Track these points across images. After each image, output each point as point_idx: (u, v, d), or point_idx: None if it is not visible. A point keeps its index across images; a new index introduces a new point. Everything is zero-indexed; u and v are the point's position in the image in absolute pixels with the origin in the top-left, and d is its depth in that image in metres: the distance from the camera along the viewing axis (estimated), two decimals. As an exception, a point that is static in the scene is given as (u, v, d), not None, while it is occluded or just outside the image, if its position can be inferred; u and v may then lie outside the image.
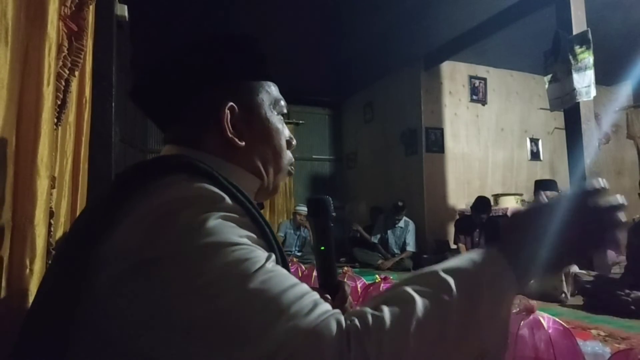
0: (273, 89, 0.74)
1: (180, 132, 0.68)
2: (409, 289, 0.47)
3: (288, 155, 0.76)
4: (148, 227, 0.48)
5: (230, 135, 0.66)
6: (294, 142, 0.78)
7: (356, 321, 0.44)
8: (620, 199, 0.52)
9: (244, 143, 0.67)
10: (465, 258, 0.52)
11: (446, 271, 0.49)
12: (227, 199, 0.53)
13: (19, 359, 0.52)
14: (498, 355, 0.49)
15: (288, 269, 0.53)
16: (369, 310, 0.45)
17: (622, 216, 0.51)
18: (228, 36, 0.72)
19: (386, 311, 0.45)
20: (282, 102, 0.75)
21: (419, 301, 0.46)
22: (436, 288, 0.47)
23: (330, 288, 0.76)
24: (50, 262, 0.70)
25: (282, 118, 0.75)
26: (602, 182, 0.52)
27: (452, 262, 0.51)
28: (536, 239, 0.51)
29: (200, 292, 0.44)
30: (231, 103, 0.67)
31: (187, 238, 0.47)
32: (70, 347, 0.48)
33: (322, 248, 0.78)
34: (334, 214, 0.78)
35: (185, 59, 0.70)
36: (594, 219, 0.51)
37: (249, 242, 0.49)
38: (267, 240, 0.55)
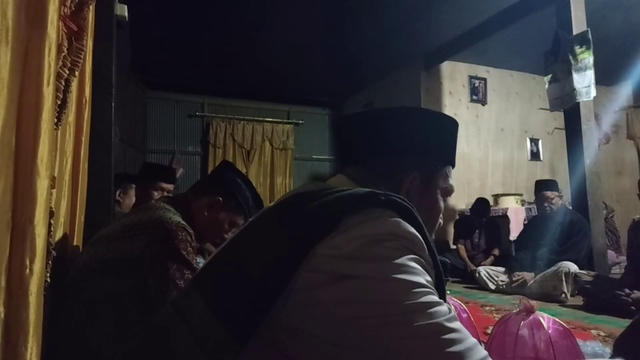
0: (451, 175, 0.81)
1: (362, 170, 0.76)
2: None
3: (438, 222, 0.83)
4: (358, 246, 0.56)
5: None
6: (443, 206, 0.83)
7: None
8: None
9: None
10: None
11: None
12: (422, 241, 0.60)
13: (206, 323, 0.59)
14: None
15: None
16: None
17: None
18: (454, 124, 0.82)
19: None
20: (452, 189, 0.82)
21: None
22: None
23: None
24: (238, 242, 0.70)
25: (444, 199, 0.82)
26: None
27: None
28: None
29: (388, 317, 0.51)
30: (417, 174, 0.76)
31: (386, 267, 0.55)
32: (254, 330, 0.56)
33: None
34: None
35: (412, 128, 0.77)
36: None
37: (430, 286, 0.57)
38: (440, 282, 0.62)
